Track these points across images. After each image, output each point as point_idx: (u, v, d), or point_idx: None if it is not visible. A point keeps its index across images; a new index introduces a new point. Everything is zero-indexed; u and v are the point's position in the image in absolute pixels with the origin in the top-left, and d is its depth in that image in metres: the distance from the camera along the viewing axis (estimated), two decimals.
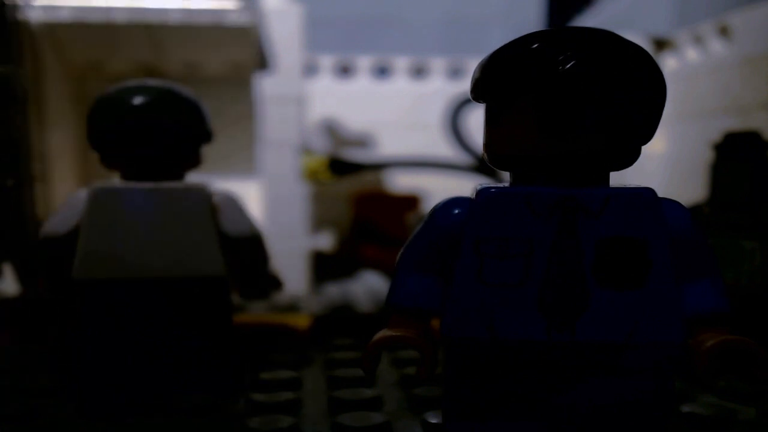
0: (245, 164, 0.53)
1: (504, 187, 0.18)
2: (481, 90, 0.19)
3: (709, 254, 0.18)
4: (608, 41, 0.17)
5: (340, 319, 0.36)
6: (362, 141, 0.68)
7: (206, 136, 0.27)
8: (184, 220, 0.25)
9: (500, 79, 0.18)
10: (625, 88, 0.17)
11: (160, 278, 0.25)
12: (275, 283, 0.30)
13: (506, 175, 0.20)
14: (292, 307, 0.41)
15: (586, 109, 0.17)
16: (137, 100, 0.25)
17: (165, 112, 0.25)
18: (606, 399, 0.18)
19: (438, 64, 0.69)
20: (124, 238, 0.25)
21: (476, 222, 0.18)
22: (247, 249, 0.26)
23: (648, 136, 0.18)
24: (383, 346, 0.19)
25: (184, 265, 0.25)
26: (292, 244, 0.49)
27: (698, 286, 0.18)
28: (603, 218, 0.18)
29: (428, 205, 0.64)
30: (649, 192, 0.18)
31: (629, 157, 0.18)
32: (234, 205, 0.26)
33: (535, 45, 0.17)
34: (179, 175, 0.27)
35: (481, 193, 0.18)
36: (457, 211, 0.19)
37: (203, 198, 0.25)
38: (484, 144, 0.19)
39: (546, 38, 0.17)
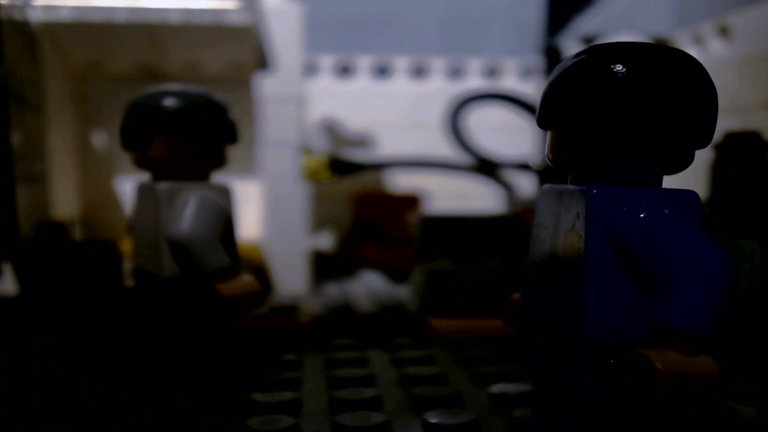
0: (245, 164, 0.53)
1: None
2: (546, 120, 0.19)
3: (671, 261, 0.16)
4: (656, 55, 0.17)
5: (340, 319, 0.36)
6: (362, 141, 0.68)
7: (233, 137, 0.28)
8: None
9: (567, 110, 0.18)
10: (685, 107, 0.17)
11: (158, 277, 0.25)
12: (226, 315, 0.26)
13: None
14: (293, 307, 0.41)
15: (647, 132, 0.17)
16: (177, 103, 0.26)
17: (202, 114, 0.26)
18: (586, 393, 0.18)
19: (438, 64, 0.69)
20: (139, 236, 0.27)
21: None
22: (174, 254, 0.25)
23: (706, 142, 0.18)
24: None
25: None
26: (292, 244, 0.49)
27: (656, 296, 0.17)
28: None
29: (428, 205, 0.64)
30: (589, 189, 0.18)
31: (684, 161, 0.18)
32: (184, 205, 0.25)
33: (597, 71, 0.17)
34: (206, 176, 0.27)
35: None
36: None
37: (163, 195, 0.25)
38: (548, 153, 0.20)
39: (603, 58, 0.17)
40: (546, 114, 0.19)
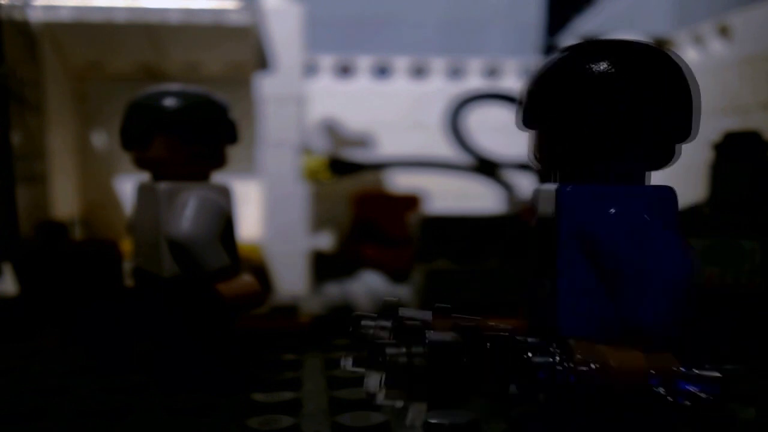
0: (245, 164, 0.53)
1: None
2: (531, 119, 0.19)
3: (630, 260, 0.16)
4: (636, 54, 0.17)
5: (340, 319, 0.36)
6: (362, 141, 0.68)
7: (233, 137, 0.27)
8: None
9: (550, 108, 0.18)
10: (664, 100, 0.17)
11: (158, 277, 0.25)
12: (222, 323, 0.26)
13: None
14: (293, 307, 0.41)
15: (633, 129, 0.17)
16: (177, 103, 0.26)
17: (202, 114, 0.26)
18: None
19: (438, 64, 0.69)
20: (139, 236, 0.27)
21: None
22: (174, 254, 0.25)
23: (686, 135, 0.18)
24: None
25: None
26: (292, 244, 0.49)
27: (616, 293, 0.17)
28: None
29: (428, 205, 0.64)
30: (563, 188, 0.18)
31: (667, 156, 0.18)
32: (184, 205, 0.25)
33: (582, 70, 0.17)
34: (206, 176, 0.27)
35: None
36: None
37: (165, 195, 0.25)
38: (534, 153, 0.19)
39: (585, 58, 0.17)
40: (534, 113, 0.19)
